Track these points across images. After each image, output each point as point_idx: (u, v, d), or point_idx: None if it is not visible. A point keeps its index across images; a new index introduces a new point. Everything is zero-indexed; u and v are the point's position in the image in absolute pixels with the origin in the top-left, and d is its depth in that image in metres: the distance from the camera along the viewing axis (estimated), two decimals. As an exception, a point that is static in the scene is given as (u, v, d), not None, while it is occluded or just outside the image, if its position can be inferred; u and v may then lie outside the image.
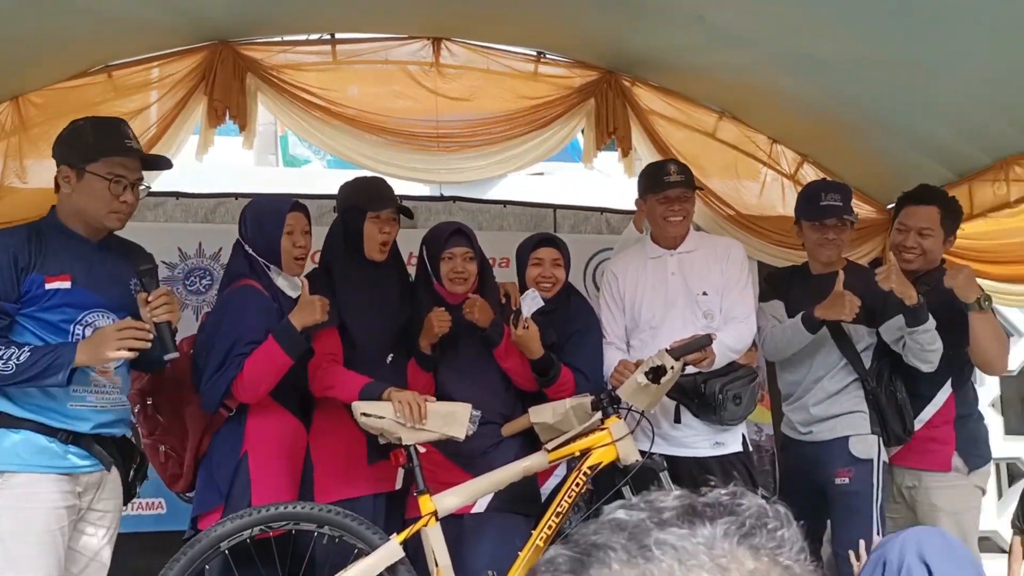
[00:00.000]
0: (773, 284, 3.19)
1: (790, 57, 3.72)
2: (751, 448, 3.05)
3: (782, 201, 4.53)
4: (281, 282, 2.78)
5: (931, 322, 2.82)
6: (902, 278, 2.81)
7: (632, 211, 3.61)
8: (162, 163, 2.60)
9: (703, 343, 2.66)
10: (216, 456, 2.64)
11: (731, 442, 2.92)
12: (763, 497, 0.60)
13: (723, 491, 0.60)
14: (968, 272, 2.87)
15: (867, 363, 3.01)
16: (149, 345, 2.26)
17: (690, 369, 2.80)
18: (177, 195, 4.18)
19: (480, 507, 2.71)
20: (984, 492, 3.16)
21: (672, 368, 2.57)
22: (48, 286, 2.25)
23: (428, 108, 4.15)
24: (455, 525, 2.69)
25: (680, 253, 3.04)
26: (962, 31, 3.20)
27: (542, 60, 4.28)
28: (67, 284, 2.27)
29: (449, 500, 2.49)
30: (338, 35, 4.04)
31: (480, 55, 4.22)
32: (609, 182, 5.78)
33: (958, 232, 4.03)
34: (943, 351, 2.91)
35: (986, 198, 3.93)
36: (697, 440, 2.90)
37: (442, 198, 4.49)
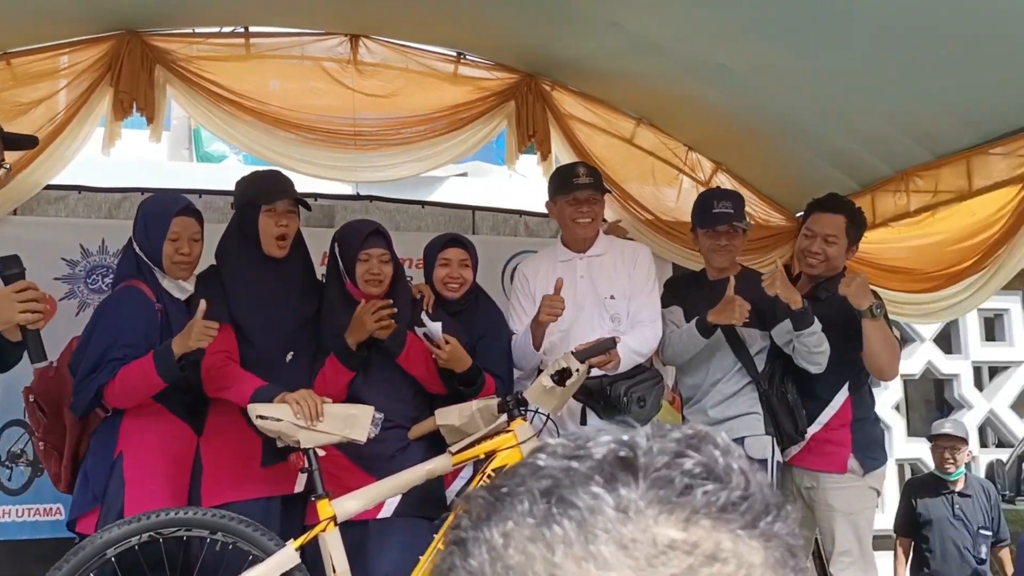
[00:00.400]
0: (671, 290, 3.22)
1: (703, 66, 3.77)
2: None
3: (698, 207, 4.59)
4: (167, 284, 2.67)
5: (816, 325, 2.89)
6: (787, 283, 2.86)
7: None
8: (26, 142, 2.44)
9: (607, 346, 2.67)
10: (91, 456, 2.53)
11: None
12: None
13: (677, 434, 0.48)
14: (861, 280, 2.94)
15: (760, 366, 3.07)
16: (45, 309, 2.14)
17: (597, 371, 2.79)
18: (79, 189, 4.00)
19: (386, 512, 2.64)
20: (879, 493, 3.24)
21: (577, 371, 2.57)
22: None
23: (345, 105, 4.07)
24: (360, 530, 2.63)
25: (589, 256, 3.04)
26: (866, 48, 3.29)
27: (462, 61, 4.26)
28: None
29: (349, 504, 2.42)
30: (252, 28, 3.94)
31: (399, 54, 4.17)
32: (531, 185, 5.79)
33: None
34: (842, 355, 2.97)
35: (887, 208, 4.05)
36: (602, 442, 2.89)
37: (358, 197, 4.40)
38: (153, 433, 2.53)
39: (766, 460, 2.95)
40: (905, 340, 7.65)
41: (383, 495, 2.49)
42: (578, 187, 2.97)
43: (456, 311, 3.00)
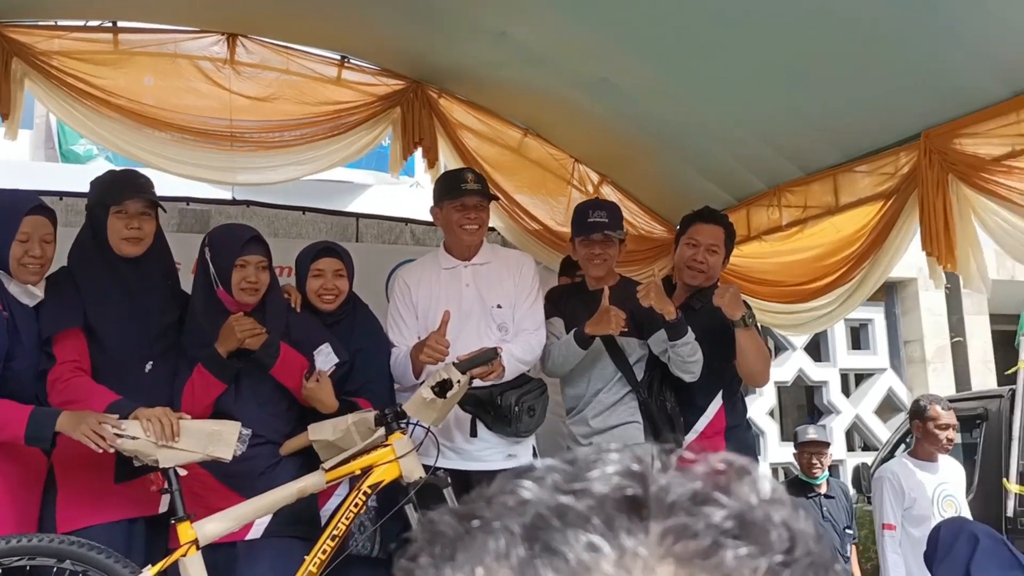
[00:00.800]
0: (551, 301, 3.17)
1: (586, 79, 3.78)
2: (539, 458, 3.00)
3: (583, 218, 4.61)
4: (14, 288, 2.44)
5: (690, 335, 2.92)
6: (661, 295, 2.88)
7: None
8: None
9: (489, 356, 2.60)
10: None
11: (523, 453, 2.88)
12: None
13: (702, 468, 0.39)
14: (735, 291, 2.99)
15: (640, 375, 3.07)
16: None
17: (481, 382, 2.73)
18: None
19: (256, 533, 2.49)
20: (752, 499, 3.29)
21: (458, 382, 2.48)
22: None
23: (221, 106, 3.89)
24: (228, 552, 2.48)
25: (475, 264, 2.97)
26: (739, 67, 3.38)
27: (346, 65, 4.14)
28: None
29: (211, 527, 2.26)
30: (121, 23, 3.71)
31: (279, 55, 4.02)
32: (420, 194, 5.69)
33: (735, 252, 4.25)
34: (715, 364, 3.02)
35: (761, 221, 4.16)
36: (490, 453, 2.83)
37: (235, 202, 4.21)
38: None
39: None
40: (778, 348, 7.94)
41: (250, 515, 2.34)
42: (466, 192, 2.89)
43: (332, 323, 2.88)
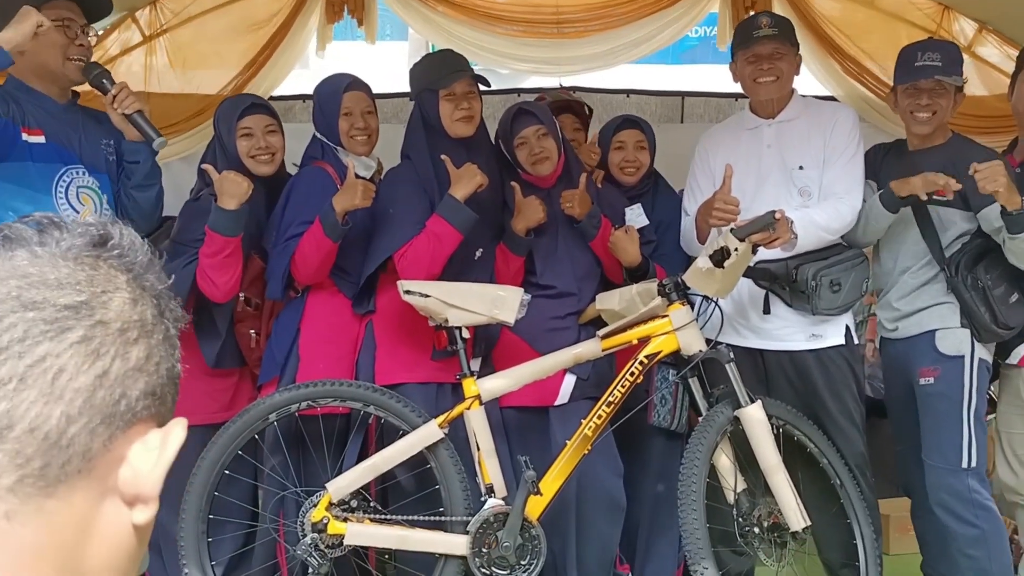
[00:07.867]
0: (866, 161, 2.62)
1: None
2: (857, 340, 2.60)
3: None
4: (350, 162, 2.54)
5: None
6: (1005, 181, 2.24)
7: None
8: (102, 5, 2.37)
9: (768, 221, 2.24)
10: (275, 332, 2.56)
11: (831, 334, 2.51)
12: None
13: None
14: None
15: (954, 251, 2.50)
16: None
17: (779, 253, 2.42)
18: (303, 98, 4.13)
19: (563, 398, 2.52)
20: None
21: (736, 250, 2.21)
22: (24, 138, 2.18)
23: (548, -6, 3.89)
24: (541, 416, 2.55)
25: (779, 122, 2.57)
26: None
27: (671, -68, 3.86)
28: (41, 139, 2.21)
29: (492, 383, 2.31)
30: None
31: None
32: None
33: None
34: None
35: None
36: (790, 332, 2.52)
37: (561, 89, 4.21)
38: (327, 314, 2.53)
39: (961, 357, 2.41)
40: None
41: (529, 377, 2.35)
42: (759, 40, 2.50)
43: (634, 196, 2.78)
